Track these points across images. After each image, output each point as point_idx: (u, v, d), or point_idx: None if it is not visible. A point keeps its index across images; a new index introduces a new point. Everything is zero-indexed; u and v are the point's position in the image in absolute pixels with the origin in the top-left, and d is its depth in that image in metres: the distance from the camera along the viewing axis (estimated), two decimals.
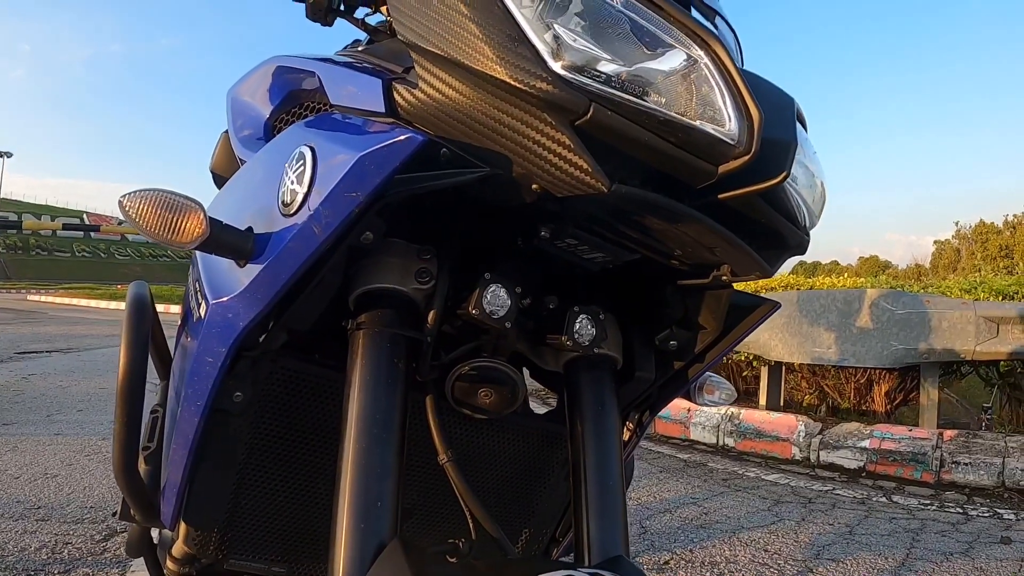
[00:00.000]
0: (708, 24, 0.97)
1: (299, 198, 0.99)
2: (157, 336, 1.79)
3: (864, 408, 7.04)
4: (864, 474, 5.35)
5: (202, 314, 1.17)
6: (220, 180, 2.03)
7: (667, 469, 5.39)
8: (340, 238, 0.99)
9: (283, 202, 1.02)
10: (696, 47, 0.93)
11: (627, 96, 0.90)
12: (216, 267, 1.17)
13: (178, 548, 1.36)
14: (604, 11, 0.91)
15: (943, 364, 6.13)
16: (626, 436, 1.50)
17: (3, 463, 4.71)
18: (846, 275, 9.95)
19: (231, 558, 1.37)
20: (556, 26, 0.89)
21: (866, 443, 5.46)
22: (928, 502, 4.60)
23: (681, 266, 1.22)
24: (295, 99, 1.49)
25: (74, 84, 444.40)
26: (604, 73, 0.89)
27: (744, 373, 7.80)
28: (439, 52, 0.94)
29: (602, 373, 1.31)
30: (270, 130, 1.55)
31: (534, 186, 0.98)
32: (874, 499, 4.65)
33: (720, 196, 1.02)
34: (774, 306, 1.36)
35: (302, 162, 1.01)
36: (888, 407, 6.91)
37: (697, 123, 0.93)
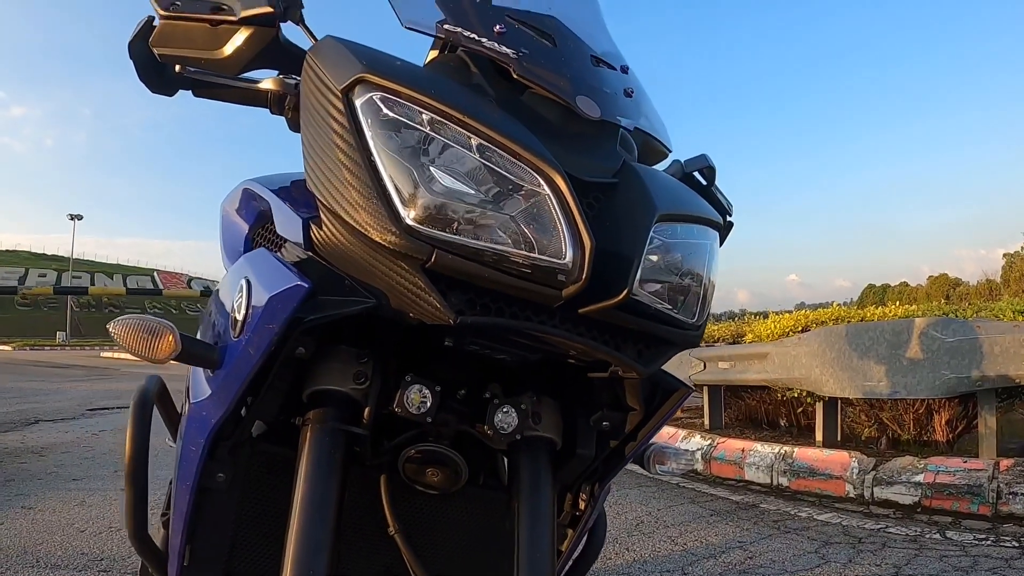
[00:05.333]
0: (552, 158, 1.08)
1: (240, 324, 1.22)
2: (173, 416, 2.01)
3: (926, 439, 6.89)
4: (919, 510, 5.23)
5: (186, 411, 1.46)
6: None
7: (718, 512, 5.34)
8: (272, 355, 1.19)
9: (232, 324, 1.25)
10: (542, 181, 1.07)
11: (465, 240, 1.05)
12: (196, 374, 1.44)
13: None
14: (463, 158, 1.07)
15: (1004, 390, 6.00)
16: (581, 506, 1.60)
17: (71, 517, 4.91)
18: (895, 298, 9.74)
19: None
20: (417, 179, 1.05)
21: (920, 477, 5.36)
22: (983, 536, 4.50)
23: (579, 363, 1.35)
24: (265, 217, 1.73)
25: (136, 145, 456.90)
26: (454, 218, 1.05)
27: (800, 409, 7.71)
28: (327, 205, 1.13)
29: (538, 453, 1.43)
30: (250, 243, 1.82)
31: (411, 314, 1.14)
32: (927, 536, 4.56)
33: (580, 311, 1.14)
34: (687, 391, 1.47)
35: (240, 294, 1.24)
36: (950, 436, 6.76)
37: (533, 256, 1.07)
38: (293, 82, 1.61)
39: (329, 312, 1.16)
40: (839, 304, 9.67)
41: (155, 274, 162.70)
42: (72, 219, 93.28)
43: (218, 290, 1.60)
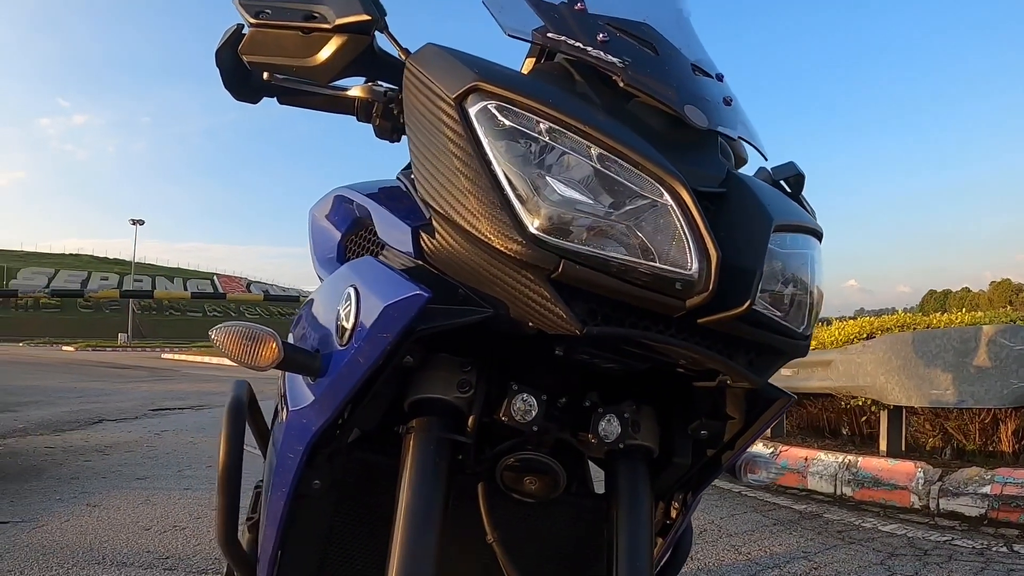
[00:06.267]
0: (673, 168, 1.07)
1: (347, 333, 1.21)
2: (259, 422, 2.09)
3: (991, 449, 6.77)
4: (986, 522, 5.16)
5: (284, 418, 1.44)
6: None
7: (781, 521, 5.33)
8: (382, 365, 1.18)
9: (338, 333, 1.24)
10: (664, 191, 1.06)
11: (592, 250, 1.04)
12: (294, 381, 1.43)
13: None
14: (583, 168, 1.06)
15: None
16: (673, 514, 1.59)
17: (136, 515, 5.04)
18: (957, 304, 9.56)
19: None
20: (538, 188, 1.05)
21: (987, 489, 5.28)
22: None
23: (688, 372, 1.33)
24: (361, 224, 1.73)
25: (194, 153, 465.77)
26: (578, 228, 1.05)
27: (864, 418, 7.62)
28: (445, 214, 1.12)
29: (636, 462, 1.41)
30: (343, 250, 1.81)
31: (530, 323, 1.13)
32: (994, 549, 4.51)
33: (699, 321, 1.12)
34: (789, 400, 1.43)
35: (349, 303, 1.22)
36: (1016, 447, 6.64)
37: (659, 266, 1.06)
38: (382, 89, 1.62)
39: (445, 322, 1.16)
40: (902, 310, 9.51)
41: (215, 278, 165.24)
42: (134, 224, 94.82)
43: (313, 298, 1.62)
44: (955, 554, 4.40)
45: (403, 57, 1.41)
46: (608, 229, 1.06)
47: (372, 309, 1.16)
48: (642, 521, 1.38)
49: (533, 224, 1.04)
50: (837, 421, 8.18)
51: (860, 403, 7.21)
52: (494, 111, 1.08)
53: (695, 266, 1.06)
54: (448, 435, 1.31)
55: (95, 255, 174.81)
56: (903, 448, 6.87)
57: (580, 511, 1.66)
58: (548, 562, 1.68)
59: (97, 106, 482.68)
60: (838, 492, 6.28)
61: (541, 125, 1.07)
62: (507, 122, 1.07)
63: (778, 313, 1.20)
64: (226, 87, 1.55)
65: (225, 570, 2.17)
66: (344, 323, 1.22)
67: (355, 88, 1.63)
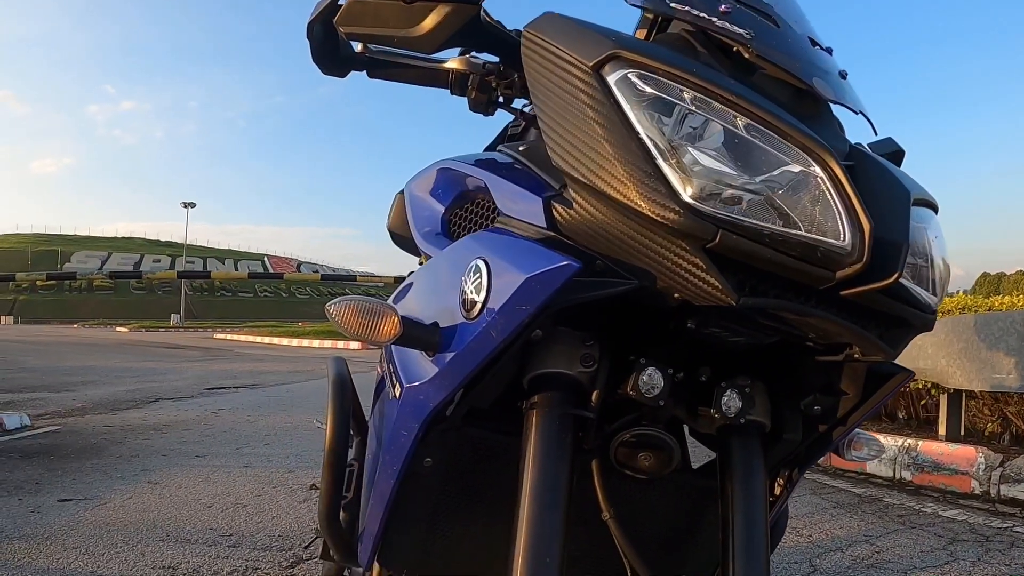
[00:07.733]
0: (821, 139, 1.05)
1: (477, 307, 1.17)
2: (355, 401, 2.06)
3: None
4: None
5: (397, 394, 1.41)
6: (398, 238, 2.25)
7: (841, 504, 5.28)
8: (514, 339, 1.15)
9: (464, 307, 1.20)
10: (813, 162, 1.04)
11: (750, 220, 1.02)
12: (408, 356, 1.41)
13: None
14: (730, 137, 1.04)
15: None
16: (777, 491, 1.58)
17: (197, 492, 5.11)
18: (1011, 287, 9.38)
19: None
20: (686, 157, 1.03)
21: None
22: None
23: (816, 346, 1.30)
24: (467, 197, 1.68)
25: (241, 137, 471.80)
26: (730, 198, 1.03)
27: (923, 401, 7.52)
28: (587, 182, 1.09)
29: (750, 439, 1.40)
30: (447, 224, 1.75)
31: (676, 295, 1.10)
32: None
33: (842, 293, 1.09)
34: (908, 375, 1.41)
35: (478, 275, 1.19)
36: None
37: (814, 237, 1.04)
38: (479, 61, 1.62)
39: (586, 294, 1.12)
40: (960, 292, 9.35)
41: (265, 259, 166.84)
42: (185, 207, 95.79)
43: (423, 272, 1.61)
44: (1017, 541, 4.35)
45: (497, 26, 1.41)
46: (756, 199, 1.04)
47: (509, 281, 1.13)
48: (757, 496, 1.36)
49: (686, 192, 1.01)
50: (894, 404, 8.05)
51: (919, 386, 7.11)
52: (634, 79, 1.06)
53: (848, 237, 1.04)
54: (572, 411, 1.28)
55: (147, 238, 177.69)
56: (962, 433, 6.76)
57: (682, 487, 1.64)
58: (658, 538, 1.66)
59: (144, 92, 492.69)
60: (897, 476, 6.21)
61: (685, 94, 1.05)
62: (649, 90, 1.05)
63: (915, 286, 1.18)
64: (315, 60, 1.55)
65: (321, 549, 2.14)
66: (473, 296, 1.19)
67: (451, 60, 1.63)
